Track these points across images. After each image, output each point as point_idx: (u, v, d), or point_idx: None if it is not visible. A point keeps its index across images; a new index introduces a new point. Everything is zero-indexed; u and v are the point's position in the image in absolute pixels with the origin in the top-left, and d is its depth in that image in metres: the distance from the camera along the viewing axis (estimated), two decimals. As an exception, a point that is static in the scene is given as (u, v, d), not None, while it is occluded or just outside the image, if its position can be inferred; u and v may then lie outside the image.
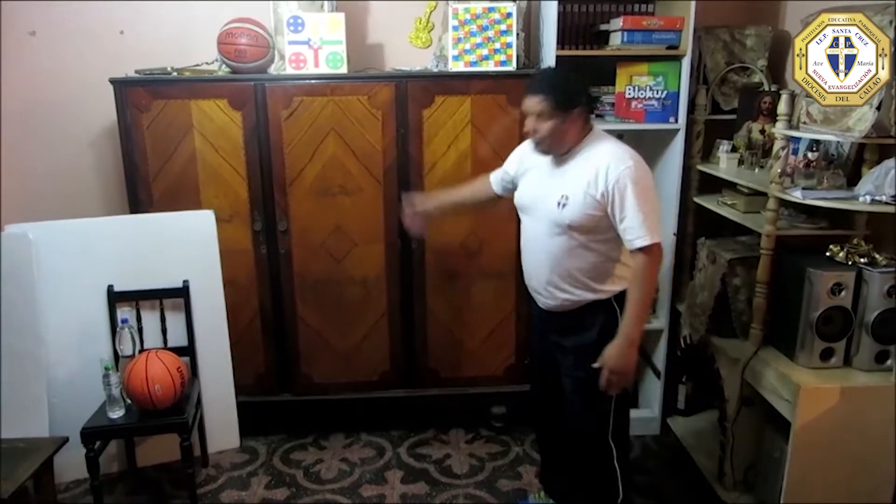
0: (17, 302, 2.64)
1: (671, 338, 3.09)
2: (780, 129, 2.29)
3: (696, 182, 3.01)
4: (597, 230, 2.06)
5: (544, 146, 2.11)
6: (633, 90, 2.83)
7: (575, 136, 2.10)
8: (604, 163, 2.03)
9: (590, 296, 2.14)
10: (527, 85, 2.12)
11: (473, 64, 2.86)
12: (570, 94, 2.06)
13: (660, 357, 3.11)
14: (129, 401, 2.57)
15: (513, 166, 2.35)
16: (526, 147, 2.28)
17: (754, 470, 2.60)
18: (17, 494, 2.24)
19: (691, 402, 3.20)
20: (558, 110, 2.03)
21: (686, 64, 2.79)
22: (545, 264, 2.15)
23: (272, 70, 2.94)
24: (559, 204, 2.06)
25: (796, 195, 2.25)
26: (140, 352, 2.66)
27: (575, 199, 2.04)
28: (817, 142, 2.40)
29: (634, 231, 1.99)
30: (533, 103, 2.06)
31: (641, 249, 1.99)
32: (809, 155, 2.39)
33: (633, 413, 3.23)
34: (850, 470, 2.23)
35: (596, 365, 2.07)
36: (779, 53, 2.96)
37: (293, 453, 3.08)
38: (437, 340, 3.12)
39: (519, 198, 2.27)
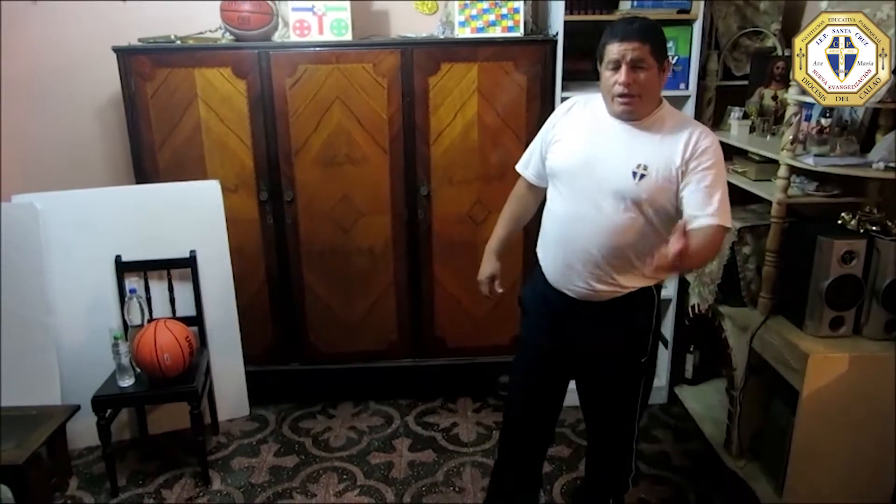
0: (25, 271, 2.66)
1: (679, 307, 3.07)
2: (792, 94, 2.24)
3: (707, 150, 2.96)
4: (666, 207, 1.80)
5: (635, 106, 1.78)
6: (643, 56, 2.77)
7: (658, 95, 1.83)
8: (690, 131, 1.79)
9: (639, 283, 1.88)
10: (615, 33, 1.77)
11: (480, 30, 2.81)
12: (664, 41, 1.80)
13: (668, 326, 3.10)
14: (138, 370, 2.59)
15: (543, 140, 2.01)
16: (559, 112, 1.99)
17: (761, 438, 2.60)
18: (32, 460, 2.28)
19: (699, 371, 3.20)
20: (655, 58, 1.75)
21: (697, 28, 2.73)
22: (597, 245, 1.83)
23: (276, 37, 2.90)
24: (636, 175, 1.77)
25: (808, 162, 2.21)
26: (149, 321, 2.69)
27: (655, 169, 1.77)
28: (830, 108, 2.35)
29: (713, 207, 1.73)
30: (629, 49, 1.73)
31: (714, 227, 1.72)
32: (822, 121, 2.34)
33: (641, 382, 3.25)
34: (857, 439, 2.23)
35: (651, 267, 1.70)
36: (793, 17, 2.89)
37: (302, 421, 3.11)
38: (445, 310, 3.12)
39: (559, 162, 1.91)
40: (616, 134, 1.83)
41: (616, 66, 1.76)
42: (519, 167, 2.13)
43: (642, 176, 1.77)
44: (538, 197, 2.11)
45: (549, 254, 1.96)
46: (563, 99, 2.73)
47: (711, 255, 1.84)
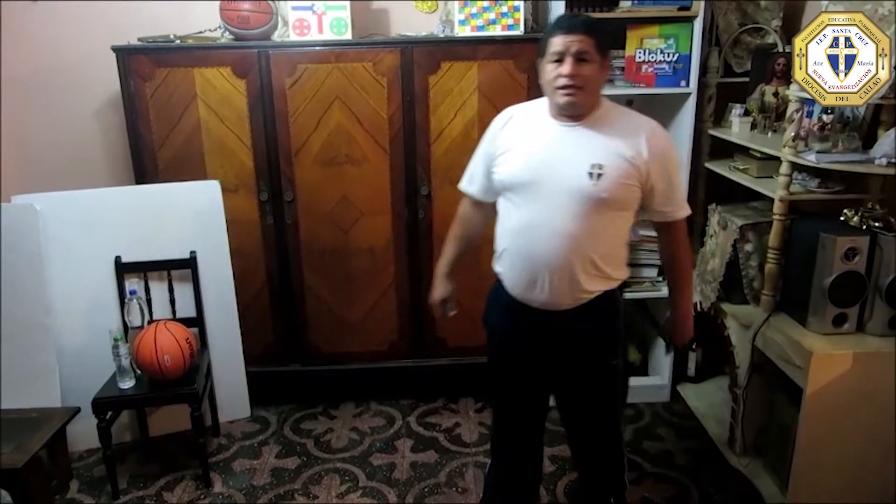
0: (25, 273, 2.64)
1: (681, 305, 3.06)
2: (794, 91, 2.24)
3: (708, 147, 2.97)
4: (627, 204, 1.81)
5: (579, 98, 1.74)
6: (644, 53, 2.76)
7: (599, 92, 1.82)
8: (642, 127, 1.82)
9: (604, 287, 1.86)
10: (559, 25, 1.76)
11: (480, 28, 2.81)
12: (607, 39, 1.81)
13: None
14: (138, 371, 2.58)
15: (486, 154, 1.96)
16: (498, 124, 1.95)
17: (764, 436, 2.59)
18: (32, 463, 2.26)
19: (701, 368, 3.20)
20: (599, 53, 1.74)
21: (698, 25, 2.71)
22: (561, 252, 1.79)
23: (276, 37, 2.89)
24: (592, 175, 1.74)
25: (810, 159, 2.20)
26: (149, 323, 2.68)
27: (612, 167, 1.75)
28: (832, 104, 2.35)
29: (678, 202, 1.87)
30: (574, 41, 1.71)
31: (680, 220, 1.90)
32: (824, 117, 2.33)
33: (644, 381, 3.25)
34: (862, 436, 2.22)
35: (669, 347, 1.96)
36: (794, 13, 2.89)
37: (304, 423, 3.10)
38: (446, 310, 3.11)
39: (511, 174, 1.85)
40: (564, 136, 1.81)
41: (560, 58, 1.74)
42: (462, 186, 2.08)
43: (600, 175, 1.74)
44: (486, 214, 2.06)
45: (509, 268, 1.91)
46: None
47: (689, 249, 2.00)
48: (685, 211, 1.90)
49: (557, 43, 1.74)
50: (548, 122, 1.84)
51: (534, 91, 2.79)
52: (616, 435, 2.04)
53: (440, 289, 2.18)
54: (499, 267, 1.96)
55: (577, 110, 1.78)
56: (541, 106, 1.89)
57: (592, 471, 2.12)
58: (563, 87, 1.74)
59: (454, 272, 2.18)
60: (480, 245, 2.22)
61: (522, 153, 1.84)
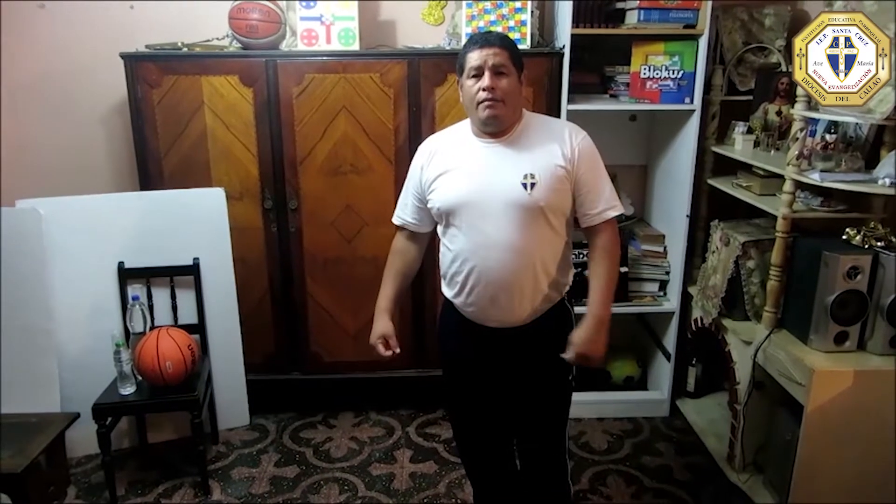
0: (28, 277, 2.64)
1: (682, 320, 3.07)
2: (798, 110, 2.26)
3: (711, 164, 2.98)
4: (564, 208, 1.85)
5: (500, 111, 1.77)
6: (649, 70, 2.78)
7: (520, 106, 1.86)
8: (561, 130, 1.86)
9: (555, 294, 1.91)
10: (474, 41, 1.79)
11: (487, 42, 2.82)
12: (520, 53, 1.83)
13: (670, 339, 3.10)
14: (139, 377, 2.58)
15: (416, 187, 1.96)
16: (423, 156, 1.94)
17: (764, 452, 2.60)
18: (30, 469, 2.25)
19: (701, 384, 3.20)
20: (515, 66, 1.79)
21: (703, 44, 2.74)
22: (517, 265, 1.82)
23: (283, 46, 2.91)
24: (526, 185, 1.78)
25: (814, 177, 2.22)
26: (151, 329, 2.67)
27: (543, 175, 1.79)
28: (835, 123, 2.37)
29: (607, 200, 1.86)
30: (490, 54, 1.75)
31: (610, 221, 1.88)
32: (827, 137, 2.35)
33: (643, 395, 3.26)
34: (862, 453, 2.23)
35: (566, 356, 1.84)
36: (797, 34, 2.90)
37: (303, 431, 3.09)
38: (447, 321, 3.11)
39: (448, 198, 1.85)
40: (493, 153, 1.84)
41: (478, 73, 1.77)
42: (396, 220, 2.07)
43: (533, 185, 1.78)
44: (422, 247, 2.09)
45: (464, 292, 1.89)
46: (570, 112, 2.77)
47: (619, 254, 1.95)
48: (616, 209, 1.88)
49: (474, 58, 1.77)
50: (472, 142, 1.87)
51: (540, 105, 2.82)
52: (563, 450, 2.05)
53: (380, 325, 2.02)
54: (449, 291, 1.97)
55: (500, 125, 1.82)
56: (461, 129, 1.92)
57: (540, 493, 2.08)
58: (484, 101, 1.77)
59: (393, 309, 2.06)
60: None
61: (454, 177, 1.86)
